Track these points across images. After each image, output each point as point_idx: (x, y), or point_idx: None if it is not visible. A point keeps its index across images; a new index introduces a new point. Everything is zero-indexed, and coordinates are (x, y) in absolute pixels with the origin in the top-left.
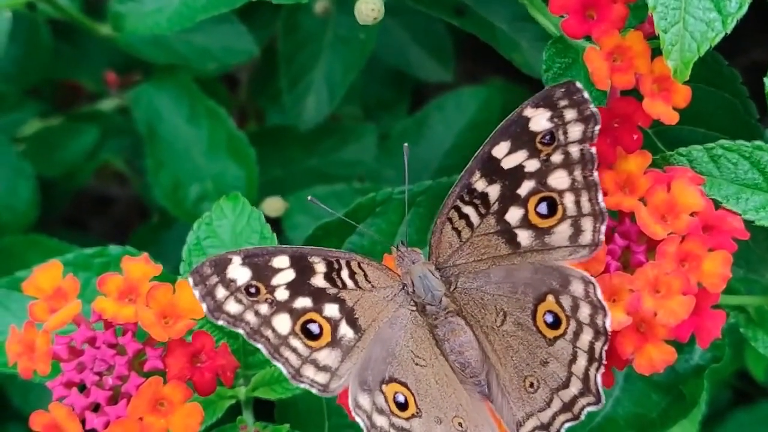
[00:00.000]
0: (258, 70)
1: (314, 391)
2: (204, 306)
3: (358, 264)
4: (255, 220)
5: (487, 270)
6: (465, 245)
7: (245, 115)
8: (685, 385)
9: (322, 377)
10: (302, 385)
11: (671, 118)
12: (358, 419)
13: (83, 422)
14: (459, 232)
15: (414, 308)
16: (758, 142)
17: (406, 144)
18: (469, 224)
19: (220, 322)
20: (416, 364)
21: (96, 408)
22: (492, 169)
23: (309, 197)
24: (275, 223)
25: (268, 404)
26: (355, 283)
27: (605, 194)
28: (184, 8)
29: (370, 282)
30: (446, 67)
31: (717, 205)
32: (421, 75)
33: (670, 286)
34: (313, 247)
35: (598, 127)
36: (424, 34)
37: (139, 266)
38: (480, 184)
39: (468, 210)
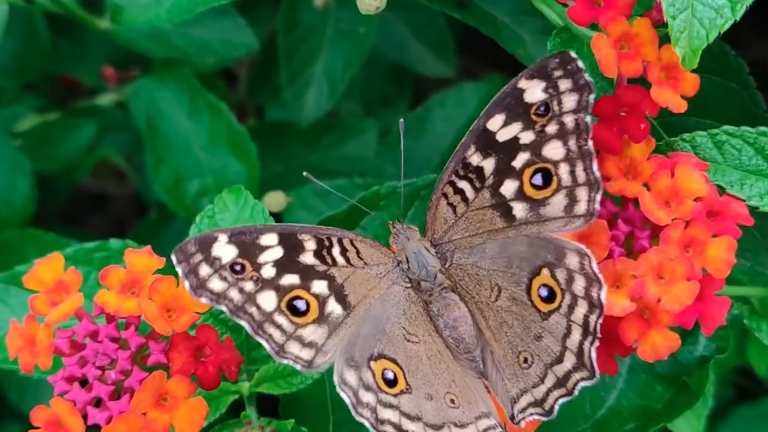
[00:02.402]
0: (257, 66)
1: (298, 367)
2: (186, 283)
3: (351, 241)
4: (258, 213)
5: (483, 244)
6: (460, 220)
7: (244, 110)
8: (690, 376)
9: (306, 353)
10: (286, 362)
11: (679, 106)
12: (343, 395)
13: (85, 418)
14: (454, 208)
15: (408, 285)
16: (762, 128)
17: (401, 120)
18: (464, 199)
19: (203, 300)
20: (408, 341)
21: (98, 403)
22: (487, 143)
23: (305, 173)
24: (277, 218)
25: (272, 399)
26: (347, 260)
27: (608, 180)
28: (184, 0)
29: (362, 259)
30: (447, 63)
31: (721, 191)
32: (422, 70)
33: (674, 272)
34: (303, 224)
35: (592, 96)
36: (424, 30)
37: (142, 259)
38: (475, 158)
39: (463, 185)
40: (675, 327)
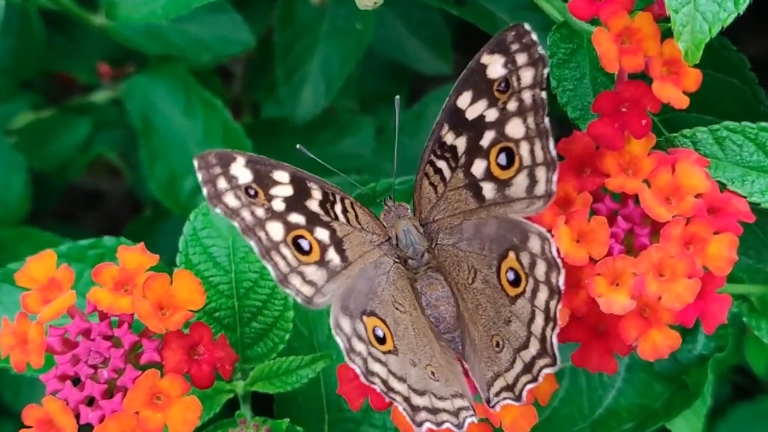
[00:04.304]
0: (253, 62)
1: (299, 300)
2: (204, 190)
3: (351, 204)
4: None
5: (460, 225)
6: (441, 200)
7: (240, 107)
8: (688, 375)
9: (307, 289)
10: (288, 291)
11: (681, 102)
12: (338, 339)
13: (78, 417)
14: (435, 187)
15: (397, 260)
16: (763, 124)
17: (397, 96)
18: (443, 179)
19: (218, 210)
20: (395, 308)
21: (91, 402)
22: (458, 121)
23: (298, 146)
24: None
25: (266, 398)
26: (347, 219)
27: (608, 176)
28: None
29: (360, 224)
30: (444, 60)
31: (722, 187)
32: (419, 67)
33: (674, 270)
34: (312, 174)
35: (547, 70)
36: (421, 26)
37: (136, 256)
38: (449, 137)
39: (441, 164)
40: (675, 325)
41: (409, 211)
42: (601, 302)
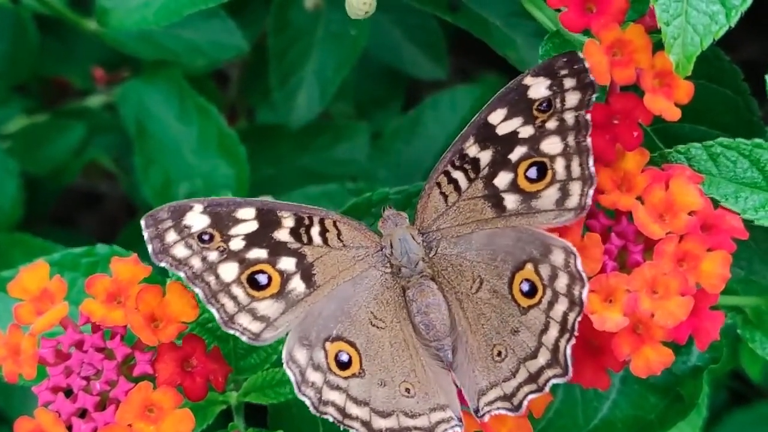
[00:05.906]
0: (248, 67)
1: (244, 338)
2: (149, 247)
3: (334, 222)
4: None
5: (470, 235)
6: (450, 209)
7: (235, 112)
8: (683, 386)
9: (255, 326)
10: (231, 332)
11: (673, 114)
12: (288, 372)
13: (70, 429)
14: (446, 197)
15: (387, 270)
16: (758, 140)
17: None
18: (457, 189)
19: (163, 264)
20: (372, 325)
21: (83, 414)
22: (486, 135)
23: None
24: None
25: (260, 409)
26: (324, 240)
27: (602, 192)
28: (171, 2)
29: (341, 241)
30: (440, 65)
31: (716, 204)
32: (414, 72)
33: (668, 287)
34: (286, 202)
35: (595, 95)
36: (417, 31)
37: (128, 267)
38: (472, 150)
39: (457, 175)
40: (668, 341)
41: (407, 220)
42: (594, 319)
